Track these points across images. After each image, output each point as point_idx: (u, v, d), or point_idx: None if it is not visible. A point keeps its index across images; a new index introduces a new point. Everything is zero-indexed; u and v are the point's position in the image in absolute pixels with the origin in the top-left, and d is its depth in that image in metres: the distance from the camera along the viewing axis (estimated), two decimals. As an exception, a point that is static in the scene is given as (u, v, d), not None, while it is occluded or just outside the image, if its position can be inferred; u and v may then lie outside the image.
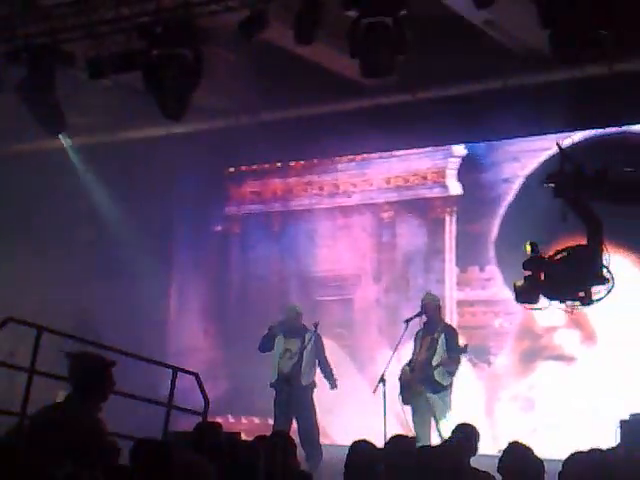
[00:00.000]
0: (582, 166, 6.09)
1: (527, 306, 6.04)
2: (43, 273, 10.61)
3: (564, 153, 6.07)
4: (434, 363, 8.40)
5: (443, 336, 8.53)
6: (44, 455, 4.23)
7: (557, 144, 6.04)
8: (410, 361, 8.67)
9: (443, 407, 8.44)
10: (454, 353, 8.41)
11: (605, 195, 6.03)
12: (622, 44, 7.03)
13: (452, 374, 8.50)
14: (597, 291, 6.23)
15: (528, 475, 4.54)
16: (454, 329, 8.78)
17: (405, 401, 8.60)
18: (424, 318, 8.69)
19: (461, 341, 8.61)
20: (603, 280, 6.17)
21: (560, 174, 6.15)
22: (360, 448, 4.71)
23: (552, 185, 6.18)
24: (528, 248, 6.16)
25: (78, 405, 4.76)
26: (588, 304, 6.18)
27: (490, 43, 8.58)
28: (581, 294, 6.08)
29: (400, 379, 8.60)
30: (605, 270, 6.14)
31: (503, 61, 8.86)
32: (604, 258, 6.17)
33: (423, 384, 8.46)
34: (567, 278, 5.97)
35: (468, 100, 9.31)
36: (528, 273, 6.13)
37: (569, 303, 6.17)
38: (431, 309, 8.65)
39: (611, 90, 8.62)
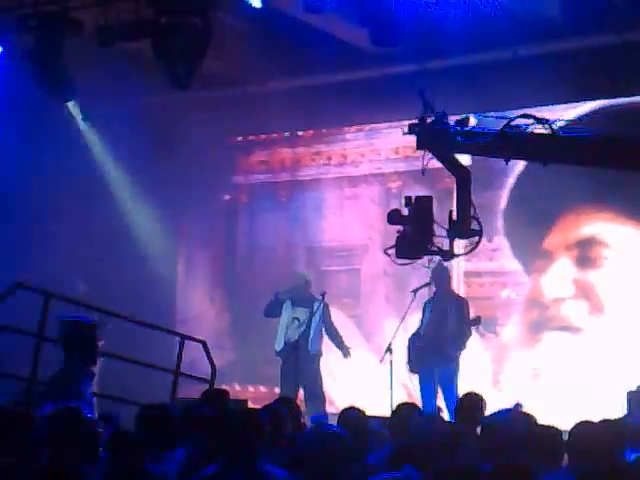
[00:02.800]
0: (444, 115, 5.90)
1: (398, 261, 5.91)
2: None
3: (425, 100, 5.87)
4: (444, 334, 8.41)
5: (454, 308, 8.54)
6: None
7: (419, 92, 5.81)
8: (418, 331, 8.69)
9: (451, 378, 8.46)
10: (465, 325, 8.42)
11: (468, 145, 5.86)
12: (634, 13, 6.97)
13: (461, 346, 8.53)
14: (470, 243, 6.08)
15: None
16: (466, 301, 8.79)
17: (413, 370, 8.64)
18: (433, 288, 8.69)
19: (472, 313, 8.62)
20: (473, 233, 6.02)
21: (421, 124, 5.98)
22: (349, 415, 4.76)
23: (414, 136, 5.98)
24: (403, 202, 6.02)
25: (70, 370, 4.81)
26: (451, 258, 6.08)
27: (500, 12, 8.50)
28: (445, 248, 5.95)
29: (408, 348, 8.63)
30: (475, 222, 5.98)
31: (513, 30, 8.77)
32: (472, 210, 6.00)
33: (432, 354, 8.48)
34: (421, 234, 5.82)
35: (478, 70, 9.24)
36: (398, 229, 6.00)
37: (432, 258, 6.05)
38: (442, 280, 8.65)
39: (622, 60, 8.56)
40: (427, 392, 8.52)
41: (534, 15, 8.42)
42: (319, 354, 9.30)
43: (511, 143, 5.45)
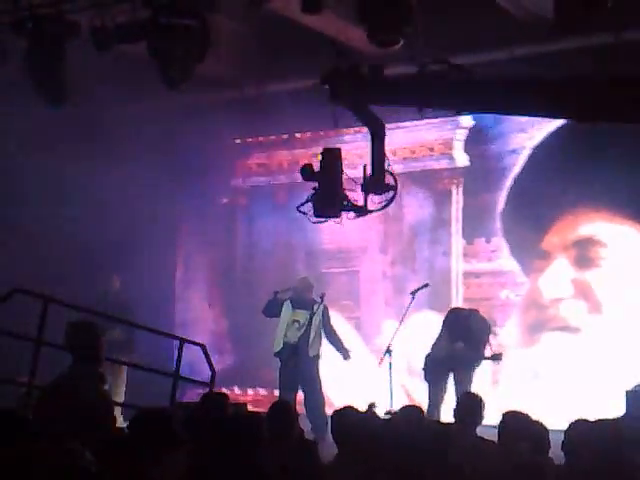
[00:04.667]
0: (359, 64, 5.78)
1: (313, 219, 5.85)
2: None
3: (338, 49, 5.74)
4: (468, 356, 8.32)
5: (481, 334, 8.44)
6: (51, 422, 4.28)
7: (331, 41, 5.67)
8: (439, 352, 8.52)
9: (468, 383, 8.40)
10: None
11: (383, 96, 5.74)
12: (629, 12, 6.95)
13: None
14: (383, 200, 5.99)
15: (530, 439, 4.57)
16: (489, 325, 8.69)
17: (429, 380, 8.54)
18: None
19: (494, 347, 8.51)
20: (387, 187, 5.93)
21: (335, 73, 5.85)
22: (344, 414, 4.76)
23: (327, 87, 5.85)
24: (319, 157, 5.93)
25: (81, 373, 4.83)
26: (365, 214, 6.00)
27: (496, 12, 8.51)
28: (359, 204, 5.87)
29: (427, 363, 8.51)
30: (389, 176, 5.89)
31: (509, 30, 8.78)
32: (387, 164, 5.90)
33: (451, 369, 8.40)
34: (332, 188, 5.74)
35: (474, 70, 9.22)
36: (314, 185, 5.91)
37: (345, 214, 5.97)
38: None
39: (618, 59, 8.55)
40: (436, 396, 8.40)
41: (529, 15, 8.43)
42: (319, 356, 9.29)
43: (425, 90, 5.34)
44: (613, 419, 5.03)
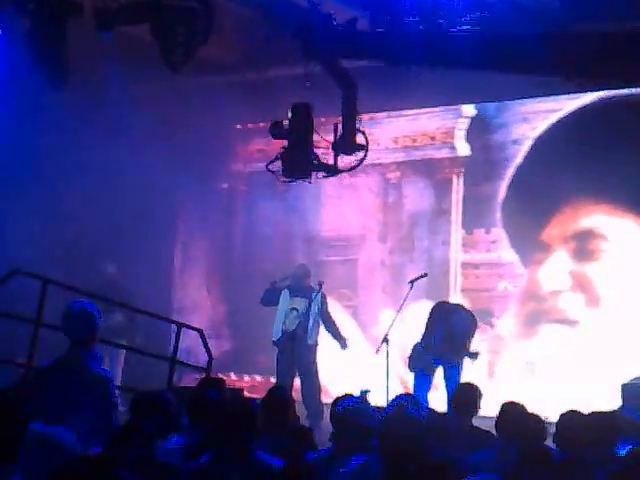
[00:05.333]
0: (332, 18, 5.66)
1: (282, 179, 5.74)
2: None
3: (311, 1, 5.63)
4: (455, 347, 8.31)
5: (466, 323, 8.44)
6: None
7: None
8: (427, 342, 8.52)
9: (457, 376, 8.38)
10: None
11: (356, 50, 5.62)
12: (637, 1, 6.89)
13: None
14: (355, 159, 5.89)
15: (527, 431, 4.57)
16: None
17: (413, 369, 8.54)
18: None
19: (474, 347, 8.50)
20: (358, 147, 5.84)
21: (308, 28, 5.74)
22: (343, 401, 4.76)
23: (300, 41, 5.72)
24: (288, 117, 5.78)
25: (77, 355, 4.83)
26: (335, 173, 5.90)
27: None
28: (330, 163, 5.77)
29: (412, 353, 8.53)
30: (360, 135, 5.80)
31: (516, 17, 8.72)
32: (357, 123, 5.80)
33: (439, 360, 8.40)
34: (302, 146, 5.64)
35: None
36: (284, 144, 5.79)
37: (315, 174, 5.86)
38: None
39: (626, 50, 8.50)
40: (423, 387, 8.39)
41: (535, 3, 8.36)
42: (316, 344, 9.28)
43: (396, 43, 5.25)
44: (608, 411, 5.03)
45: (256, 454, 4.14)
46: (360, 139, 5.69)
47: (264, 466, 4.07)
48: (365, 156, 5.68)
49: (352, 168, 5.88)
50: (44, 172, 10.04)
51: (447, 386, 8.26)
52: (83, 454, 3.22)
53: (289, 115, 5.64)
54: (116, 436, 4.06)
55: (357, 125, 5.66)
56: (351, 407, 4.53)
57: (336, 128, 5.74)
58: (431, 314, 8.53)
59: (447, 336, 8.26)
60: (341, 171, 5.77)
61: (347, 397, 5.06)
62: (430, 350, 8.31)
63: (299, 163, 5.58)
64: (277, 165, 5.76)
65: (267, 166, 5.65)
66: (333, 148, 5.69)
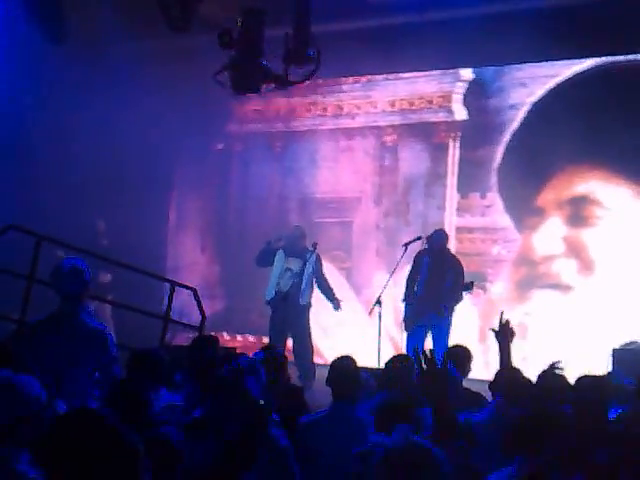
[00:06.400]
0: None
1: (231, 91, 5.59)
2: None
3: None
4: (441, 294, 8.39)
5: (452, 268, 8.52)
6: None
7: None
8: (413, 290, 8.61)
9: (445, 334, 8.44)
10: (460, 286, 8.42)
11: None
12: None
13: (454, 305, 8.52)
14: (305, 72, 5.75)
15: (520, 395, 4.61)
16: (459, 261, 8.74)
17: (407, 328, 8.61)
18: (425, 245, 8.69)
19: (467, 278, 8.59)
20: (309, 60, 5.70)
21: None
22: (341, 364, 4.79)
23: None
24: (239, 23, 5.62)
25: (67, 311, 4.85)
26: (286, 86, 5.76)
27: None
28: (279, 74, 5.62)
29: (405, 308, 8.60)
30: (310, 52, 5.66)
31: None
32: (310, 38, 5.64)
33: (427, 313, 8.46)
34: (251, 56, 5.48)
35: (478, 22, 9.15)
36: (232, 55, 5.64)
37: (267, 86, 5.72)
38: (441, 240, 8.62)
39: (624, 16, 8.47)
40: (412, 348, 8.47)
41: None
42: (309, 305, 9.30)
43: None
44: (599, 375, 5.07)
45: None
46: (311, 55, 5.51)
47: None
48: (316, 69, 5.51)
49: (303, 80, 5.69)
50: (41, 129, 10.00)
51: (436, 344, 8.35)
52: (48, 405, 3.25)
53: (238, 23, 5.44)
54: (113, 392, 4.09)
55: (310, 35, 5.47)
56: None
57: (287, 38, 5.54)
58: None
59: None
60: (292, 83, 5.58)
61: (345, 357, 5.07)
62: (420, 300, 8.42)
63: (248, 75, 5.37)
64: (225, 77, 5.57)
65: (214, 77, 5.44)
66: (284, 59, 5.50)
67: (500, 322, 4.68)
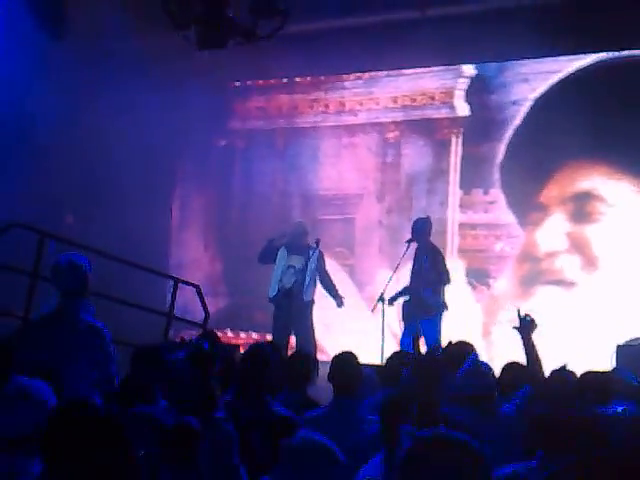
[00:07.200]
0: None
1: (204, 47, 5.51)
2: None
3: None
4: (421, 285, 8.40)
5: (428, 258, 8.50)
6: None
7: None
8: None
9: (433, 328, 8.40)
10: (439, 274, 8.40)
11: None
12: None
13: (439, 297, 8.46)
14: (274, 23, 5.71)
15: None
16: (439, 250, 8.72)
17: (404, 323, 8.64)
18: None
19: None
20: (276, 12, 5.64)
21: None
22: (343, 360, 4.80)
23: None
24: None
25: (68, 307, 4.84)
26: (253, 40, 5.68)
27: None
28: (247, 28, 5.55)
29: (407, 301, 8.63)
30: (279, 3, 5.62)
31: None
32: None
33: (415, 306, 8.46)
34: (216, 8, 5.41)
35: (480, 18, 9.14)
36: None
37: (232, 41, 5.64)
38: (423, 232, 8.61)
39: (627, 11, 8.46)
40: (404, 345, 8.43)
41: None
42: (312, 302, 9.30)
43: None
44: (603, 372, 5.07)
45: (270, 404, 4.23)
46: (279, 3, 5.50)
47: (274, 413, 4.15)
48: (284, 22, 5.49)
49: (271, 34, 5.65)
50: (42, 127, 9.99)
51: (426, 344, 8.32)
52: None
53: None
54: (120, 390, 4.09)
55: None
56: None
57: None
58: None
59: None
60: (259, 38, 5.54)
61: (346, 353, 5.08)
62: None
63: (214, 30, 5.31)
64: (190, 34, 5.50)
65: (179, 33, 5.39)
66: (251, 10, 5.45)
67: (519, 316, 4.65)
